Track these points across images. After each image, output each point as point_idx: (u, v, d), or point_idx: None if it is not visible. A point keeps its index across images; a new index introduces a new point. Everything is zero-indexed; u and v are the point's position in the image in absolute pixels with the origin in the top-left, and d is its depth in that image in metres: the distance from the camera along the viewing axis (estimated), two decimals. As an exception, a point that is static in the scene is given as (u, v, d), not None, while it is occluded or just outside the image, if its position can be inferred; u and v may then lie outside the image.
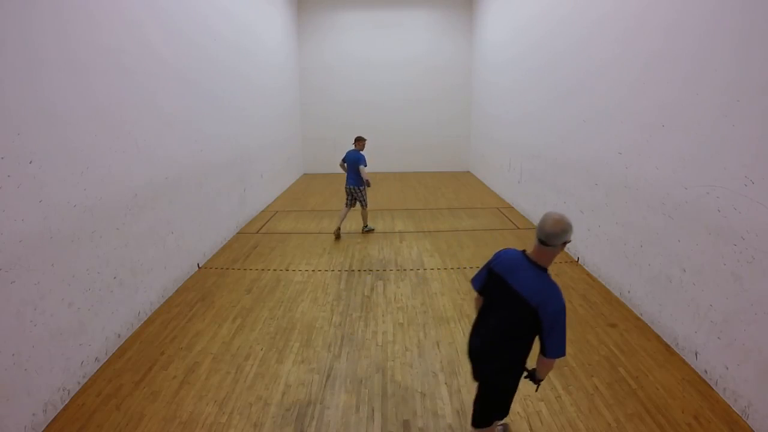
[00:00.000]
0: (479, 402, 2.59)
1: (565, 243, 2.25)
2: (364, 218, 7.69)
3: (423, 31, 13.72)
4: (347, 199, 7.54)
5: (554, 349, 2.25)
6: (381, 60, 13.77)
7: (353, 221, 8.13)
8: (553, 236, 2.21)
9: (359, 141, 7.55)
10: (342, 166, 7.56)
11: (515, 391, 2.58)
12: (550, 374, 3.61)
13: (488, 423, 2.62)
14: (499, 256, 2.49)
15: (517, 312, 2.27)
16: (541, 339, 2.27)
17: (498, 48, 10.71)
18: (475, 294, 2.65)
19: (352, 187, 7.43)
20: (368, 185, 7.39)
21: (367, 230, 7.70)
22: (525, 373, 2.50)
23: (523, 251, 2.39)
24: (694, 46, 3.75)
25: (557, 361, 2.36)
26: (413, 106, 14.02)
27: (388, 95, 13.97)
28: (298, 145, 13.60)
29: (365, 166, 7.37)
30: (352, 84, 13.87)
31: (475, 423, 2.64)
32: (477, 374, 2.56)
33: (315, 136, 14.01)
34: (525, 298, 2.24)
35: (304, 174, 14.13)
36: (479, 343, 2.50)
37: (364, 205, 7.59)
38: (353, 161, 7.36)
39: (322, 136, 13.97)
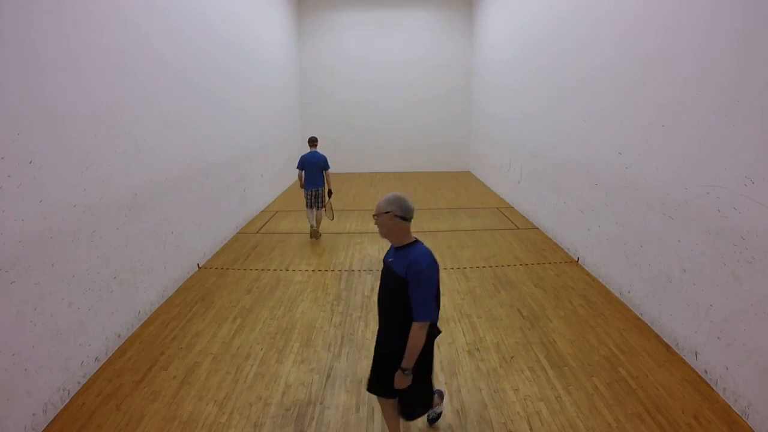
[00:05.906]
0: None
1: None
2: (318, 221, 7.35)
3: (423, 31, 13.71)
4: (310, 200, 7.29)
5: None
6: (381, 60, 13.76)
7: (348, 221, 8.11)
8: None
9: (314, 142, 7.45)
10: (301, 175, 7.25)
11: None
12: (551, 374, 3.63)
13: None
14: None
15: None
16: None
17: (498, 48, 10.71)
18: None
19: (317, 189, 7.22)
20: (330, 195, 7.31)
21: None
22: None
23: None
24: (694, 46, 3.75)
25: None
26: (413, 106, 14.00)
27: (388, 95, 13.96)
28: (298, 145, 13.56)
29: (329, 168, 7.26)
30: (352, 84, 13.86)
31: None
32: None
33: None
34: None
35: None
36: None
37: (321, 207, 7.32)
38: (318, 163, 7.21)
39: (322, 136, 13.87)
